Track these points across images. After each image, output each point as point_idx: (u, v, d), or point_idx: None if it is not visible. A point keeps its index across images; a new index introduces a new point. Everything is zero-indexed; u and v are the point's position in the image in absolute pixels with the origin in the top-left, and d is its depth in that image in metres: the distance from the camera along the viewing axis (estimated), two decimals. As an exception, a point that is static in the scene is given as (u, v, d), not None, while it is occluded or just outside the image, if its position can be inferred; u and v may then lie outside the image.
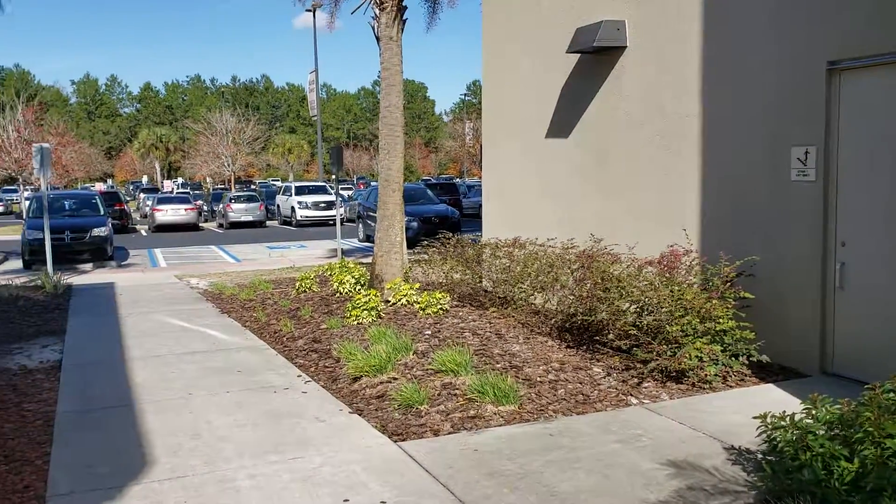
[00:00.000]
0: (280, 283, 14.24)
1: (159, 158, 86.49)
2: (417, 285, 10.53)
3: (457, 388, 6.65)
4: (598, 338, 7.93)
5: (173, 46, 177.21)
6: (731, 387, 6.60)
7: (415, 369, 7.30)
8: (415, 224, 22.22)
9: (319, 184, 39.98)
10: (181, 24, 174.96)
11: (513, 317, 9.16)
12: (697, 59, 7.92)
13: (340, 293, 11.63)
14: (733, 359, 6.62)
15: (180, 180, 75.03)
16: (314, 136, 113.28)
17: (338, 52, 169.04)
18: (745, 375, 6.76)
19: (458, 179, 61.49)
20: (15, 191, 57.36)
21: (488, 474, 4.92)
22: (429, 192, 26.84)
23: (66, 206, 22.62)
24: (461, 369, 6.86)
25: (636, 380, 6.75)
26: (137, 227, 37.60)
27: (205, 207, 41.98)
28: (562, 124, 10.19)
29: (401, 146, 11.02)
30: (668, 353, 6.50)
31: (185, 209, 34.93)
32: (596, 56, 9.42)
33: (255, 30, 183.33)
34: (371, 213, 25.08)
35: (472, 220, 32.47)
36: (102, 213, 22.43)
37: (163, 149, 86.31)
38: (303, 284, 12.46)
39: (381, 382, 6.98)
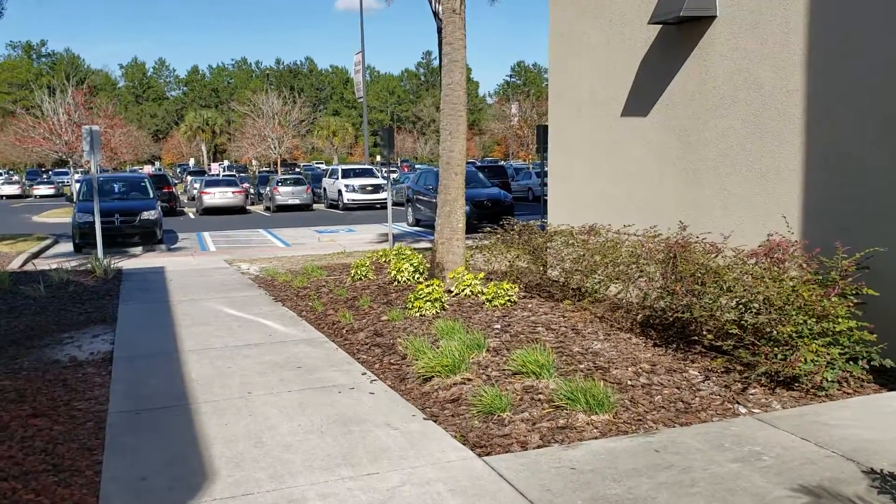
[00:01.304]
0: (333, 270, 13.74)
1: (205, 141, 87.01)
2: (482, 275, 9.91)
3: (540, 393, 6.03)
4: (689, 336, 7.25)
5: (219, 30, 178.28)
6: (848, 394, 5.87)
7: (489, 369, 6.70)
8: (468, 208, 21.57)
9: (366, 167, 39.52)
10: (227, 7, 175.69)
11: (588, 310, 8.49)
12: (803, 26, 7.13)
13: (399, 282, 11.07)
14: (851, 363, 5.89)
15: (226, 163, 75.31)
16: (358, 118, 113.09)
17: (381, 34, 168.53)
18: (863, 381, 6.03)
19: (502, 162, 60.60)
20: (66, 173, 58.05)
21: (592, 499, 4.30)
22: (480, 175, 26.15)
23: (116, 189, 22.44)
24: (543, 371, 6.24)
25: (740, 385, 6.06)
26: (185, 209, 37.57)
27: (251, 190, 41.84)
28: (639, 103, 9.45)
29: (464, 127, 10.39)
30: (780, 355, 5.79)
31: (233, 192, 34.76)
32: (680, 27, 8.66)
33: (299, 12, 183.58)
34: (420, 197, 24.55)
35: (521, 203, 31.77)
36: (152, 196, 22.21)
37: (209, 131, 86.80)
38: (358, 272, 11.93)
39: (455, 384, 6.38)
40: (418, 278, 11.13)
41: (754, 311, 6.06)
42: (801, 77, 7.19)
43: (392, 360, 7.39)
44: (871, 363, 5.92)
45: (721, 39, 8.16)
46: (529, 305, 9.09)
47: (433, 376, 6.52)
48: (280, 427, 5.67)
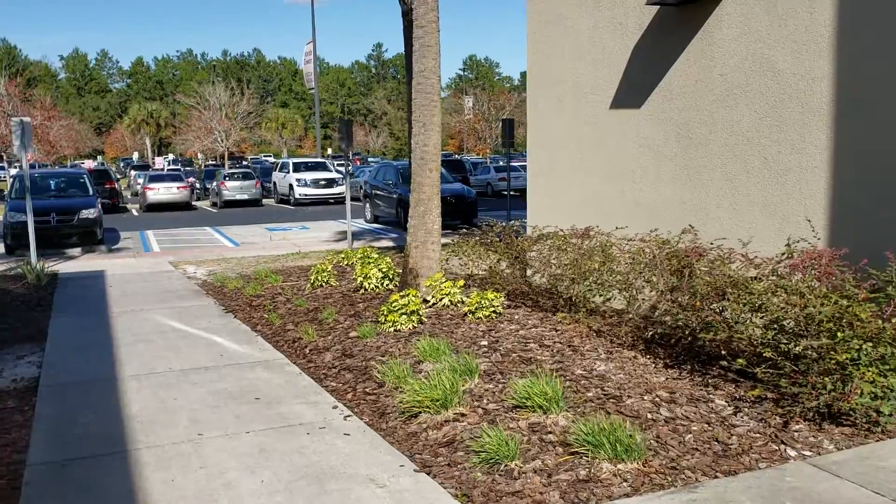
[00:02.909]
0: (289, 274, 12.65)
1: (150, 134, 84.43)
2: (461, 282, 8.95)
3: (550, 432, 5.10)
4: (702, 355, 6.40)
5: (164, 21, 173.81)
6: (905, 428, 5.06)
7: (485, 400, 5.75)
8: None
9: (319, 160, 38.22)
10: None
11: (582, 323, 7.60)
12: (830, 5, 6.31)
13: (365, 289, 10.06)
14: (903, 391, 5.08)
15: (171, 157, 73.01)
16: (307, 110, 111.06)
17: (331, 26, 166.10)
18: (918, 412, 5.23)
19: (456, 155, 59.68)
20: (2, 168, 55.40)
21: (645, 590, 3.38)
22: (443, 170, 25.13)
23: (52, 186, 20.89)
24: (552, 405, 5.31)
25: (779, 419, 5.20)
26: (128, 206, 35.84)
27: (197, 185, 40.20)
28: (632, 92, 8.58)
29: (438, 118, 9.41)
30: (830, 386, 4.95)
31: (178, 187, 33.17)
32: (682, 8, 7.80)
33: (247, 3, 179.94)
34: (379, 193, 23.49)
35: (480, 198, 30.85)
36: (91, 193, 20.71)
37: (153, 125, 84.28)
38: (318, 278, 10.87)
39: (447, 422, 5.41)
40: (388, 286, 10.13)
41: (794, 332, 5.20)
42: (829, 62, 6.38)
43: (367, 389, 6.38)
44: (929, 392, 5.11)
45: (730, 20, 7.31)
46: (516, 317, 8.16)
47: (420, 412, 5.54)
48: (239, 485, 4.64)
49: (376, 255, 11.39)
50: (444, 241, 9.94)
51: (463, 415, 5.49)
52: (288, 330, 8.64)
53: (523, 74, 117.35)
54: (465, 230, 10.30)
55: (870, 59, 6.04)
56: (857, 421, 5.05)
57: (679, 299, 6.33)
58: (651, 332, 6.70)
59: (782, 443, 4.88)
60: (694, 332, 6.17)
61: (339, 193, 33.32)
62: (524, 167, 38.55)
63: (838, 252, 5.51)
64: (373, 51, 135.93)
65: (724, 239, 6.91)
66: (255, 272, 12.93)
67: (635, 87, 8.53)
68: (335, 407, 6.04)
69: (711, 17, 7.51)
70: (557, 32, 9.83)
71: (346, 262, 12.40)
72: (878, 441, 4.88)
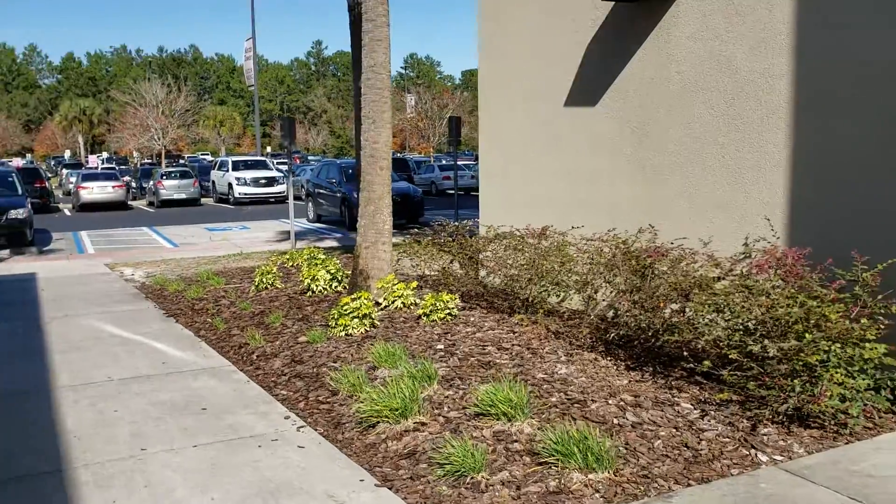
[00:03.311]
0: (232, 276, 12.22)
1: (83, 132, 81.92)
2: (414, 284, 8.71)
3: (516, 441, 4.90)
4: (662, 356, 6.29)
5: (96, 16, 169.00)
6: (871, 430, 5.01)
7: (445, 408, 5.52)
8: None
9: (259, 158, 37.50)
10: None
11: (540, 324, 7.44)
12: (789, 2, 6.26)
13: (313, 291, 9.74)
14: (874, 393, 5.03)
15: (105, 155, 70.92)
16: (246, 107, 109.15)
17: (269, 22, 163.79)
18: (881, 412, 5.18)
19: (399, 154, 59.33)
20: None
21: None
22: (384, 168, 24.83)
23: (-23, 185, 19.94)
24: (517, 412, 5.11)
25: (747, 422, 5.10)
26: (60, 205, 34.58)
27: (133, 184, 39.04)
28: (587, 90, 8.45)
29: (389, 115, 9.15)
30: (798, 388, 4.86)
31: (113, 186, 32.11)
32: (638, 5, 7.69)
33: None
34: (322, 191, 23.08)
35: (425, 197, 30.64)
36: (20, 192, 19.84)
37: (86, 122, 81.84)
38: (263, 279, 10.49)
39: (407, 431, 5.17)
40: (336, 288, 9.83)
41: (761, 333, 5.11)
42: (788, 60, 6.32)
43: (321, 397, 6.09)
44: (895, 392, 5.08)
45: (687, 17, 7.22)
46: (472, 319, 7.96)
47: (378, 421, 5.28)
48: (188, 505, 4.32)
49: (323, 256, 11.08)
50: (393, 240, 9.68)
51: (423, 424, 5.25)
52: (233, 335, 8.28)
53: (465, 73, 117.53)
54: (416, 230, 10.05)
55: (829, 57, 5.99)
56: (826, 423, 4.97)
57: (641, 300, 6.20)
58: (613, 334, 6.56)
59: (752, 447, 4.77)
60: (657, 334, 6.05)
61: (280, 192, 32.75)
62: (469, 166, 38.52)
63: (803, 252, 5.44)
64: (313, 48, 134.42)
65: (685, 238, 6.82)
66: (196, 274, 12.48)
67: (590, 85, 8.40)
68: (287, 417, 5.74)
69: (668, 13, 7.41)
70: (509, 30, 9.65)
71: (291, 264, 12.04)
72: (847, 443, 4.81)
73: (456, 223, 9.64)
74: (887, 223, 5.63)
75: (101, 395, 6.38)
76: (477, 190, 33.89)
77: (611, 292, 6.81)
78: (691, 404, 5.45)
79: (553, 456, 4.48)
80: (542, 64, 9.10)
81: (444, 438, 4.92)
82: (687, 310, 5.81)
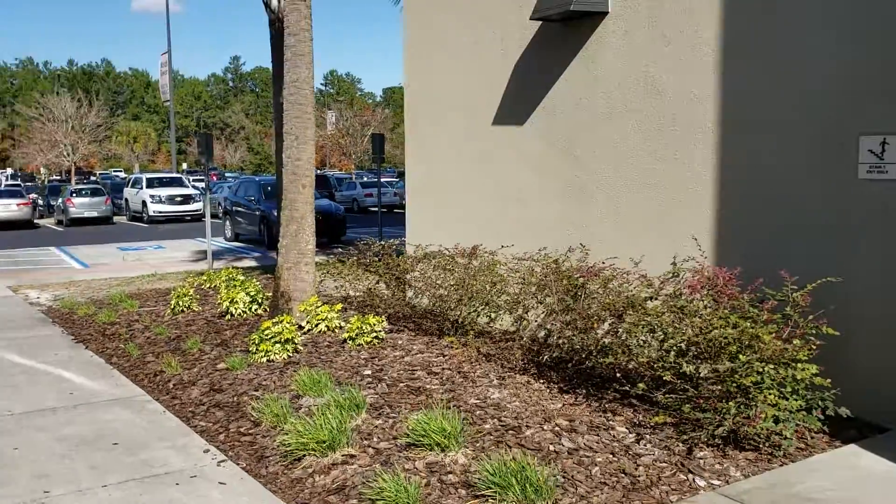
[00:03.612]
0: (146, 299, 11.68)
1: (-15, 147, 78.28)
2: (339, 306, 8.45)
3: (450, 472, 4.70)
4: (594, 377, 6.21)
5: (1, 27, 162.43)
6: (803, 450, 5.01)
7: (375, 439, 5.29)
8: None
9: (174, 175, 36.47)
10: (10, 1, 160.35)
11: (471, 346, 7.28)
12: (714, 24, 6.31)
13: (232, 315, 9.36)
14: (805, 413, 5.03)
15: (10, 171, 67.94)
16: (160, 123, 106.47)
17: (185, 36, 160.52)
18: (813, 432, 5.20)
19: (319, 171, 58.67)
20: None
21: None
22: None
23: None
24: (451, 442, 4.91)
25: (682, 445, 5.04)
26: (-41, 224, 32.78)
27: (40, 202, 37.38)
28: (515, 109, 8.39)
29: (312, 131, 8.90)
30: (734, 410, 4.82)
31: (18, 204, 30.65)
32: (565, 25, 7.67)
33: (93, 11, 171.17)
34: (240, 209, 22.54)
35: (346, 215, 30.33)
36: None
37: (-12, 136, 78.22)
38: (179, 302, 10.04)
39: (336, 465, 4.91)
40: (257, 311, 9.47)
41: (695, 354, 5.07)
42: (714, 82, 6.37)
43: (242, 429, 5.77)
44: (826, 412, 5.09)
45: (614, 38, 7.23)
46: (400, 342, 7.75)
47: (304, 454, 5.00)
48: (96, 554, 3.97)
49: (243, 278, 10.69)
50: (315, 260, 9.39)
51: (352, 456, 5.00)
52: (148, 362, 7.84)
53: (386, 90, 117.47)
54: (340, 249, 9.79)
55: (755, 79, 6.05)
56: (760, 445, 4.95)
57: (573, 321, 6.11)
58: (546, 356, 6.45)
59: (690, 472, 4.70)
60: (590, 355, 5.96)
61: (197, 210, 31.90)
62: (391, 183, 38.36)
63: (733, 272, 5.44)
64: (230, 63, 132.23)
65: (616, 258, 6.78)
66: (107, 296, 11.88)
67: (519, 103, 8.34)
68: (207, 451, 5.40)
69: (594, 34, 7.41)
70: (437, 47, 9.54)
71: (208, 285, 11.59)
72: (782, 465, 4.79)
73: (382, 242, 9.43)
74: (813, 242, 5.69)
75: (0, 431, 5.91)
76: (400, 207, 33.68)
77: (543, 313, 6.71)
78: (626, 428, 5.37)
79: (490, 488, 4.30)
80: (470, 81, 9.01)
81: (375, 471, 4.70)
82: (619, 331, 5.74)
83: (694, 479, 4.61)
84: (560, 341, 6.25)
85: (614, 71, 7.24)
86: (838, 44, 5.50)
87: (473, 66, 8.92)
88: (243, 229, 22.34)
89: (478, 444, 5.11)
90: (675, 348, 5.18)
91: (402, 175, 48.30)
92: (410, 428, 5.11)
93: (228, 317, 9.35)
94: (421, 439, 4.96)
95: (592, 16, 7.34)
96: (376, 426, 5.49)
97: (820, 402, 5.09)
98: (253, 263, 16.92)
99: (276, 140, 12.13)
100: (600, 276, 6.11)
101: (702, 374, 4.93)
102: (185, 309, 10.02)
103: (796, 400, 4.87)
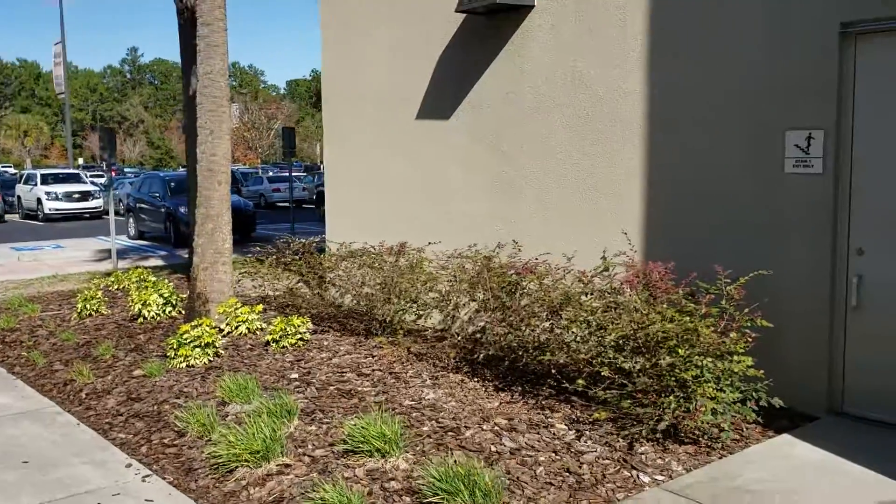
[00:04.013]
0: (48, 302, 11.03)
1: None
2: (259, 307, 8.15)
3: (393, 479, 4.54)
4: (528, 373, 6.17)
5: None
6: (738, 441, 5.07)
7: (310, 446, 5.07)
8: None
9: (72, 171, 34.83)
10: None
11: (402, 346, 7.13)
12: (643, 19, 6.34)
13: (145, 318, 8.91)
14: (741, 405, 5.10)
15: None
16: (53, 116, 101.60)
17: (79, 26, 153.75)
18: (748, 423, 5.28)
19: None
20: None
21: None
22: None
23: None
24: (391, 447, 4.75)
25: (623, 441, 5.03)
26: None
27: (-80, 200, 35.04)
28: (441, 103, 8.26)
29: (227, 125, 8.54)
30: (674, 405, 4.84)
31: None
32: (491, 18, 7.59)
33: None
34: (144, 206, 21.68)
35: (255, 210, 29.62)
36: None
37: None
38: (87, 306, 9.50)
39: (271, 475, 4.68)
40: (171, 313, 9.05)
41: (632, 349, 5.06)
42: (641, 77, 6.40)
43: (166, 440, 5.46)
44: (759, 403, 5.18)
45: (540, 32, 7.19)
46: (326, 343, 7.53)
47: (237, 466, 4.75)
48: (14, 587, 3.64)
49: (154, 278, 10.21)
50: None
51: (288, 466, 4.78)
52: (56, 370, 7.36)
53: (290, 83, 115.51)
54: (259, 248, 9.44)
55: (683, 75, 6.10)
56: (699, 438, 4.98)
57: (509, 318, 6.03)
58: (482, 354, 6.35)
59: (633, 468, 4.69)
60: (527, 353, 5.90)
61: (96, 207, 30.57)
62: (300, 178, 37.67)
63: (668, 266, 5.46)
64: (127, 55, 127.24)
65: (549, 253, 6.75)
66: (4, 301, 11.15)
67: (444, 97, 8.21)
68: (129, 465, 5.08)
69: (520, 28, 7.35)
70: (356, 39, 9.31)
71: (116, 287, 11.04)
72: (721, 458, 4.83)
73: (301, 240, 9.15)
74: (743, 237, 5.78)
75: None
76: (309, 203, 32.93)
77: (475, 310, 6.61)
78: (566, 425, 5.33)
79: (437, 495, 4.17)
80: (392, 74, 8.83)
81: (314, 481, 4.51)
82: (555, 328, 5.70)
83: (638, 476, 4.60)
84: (495, 339, 6.16)
85: (542, 65, 7.20)
86: (766, 42, 5.59)
87: (396, 59, 8.74)
88: (148, 227, 21.48)
89: (418, 448, 4.96)
90: (613, 344, 5.16)
91: (310, 169, 47.57)
92: (347, 433, 4.92)
93: (141, 320, 8.90)
94: (360, 445, 4.78)
95: (518, 9, 7.28)
96: (310, 433, 5.28)
97: (754, 394, 5.16)
98: (160, 262, 16.27)
99: (186, 134, 11.65)
100: (535, 272, 6.05)
101: (640, 369, 4.92)
102: (92, 312, 9.48)
103: (732, 392, 4.92)
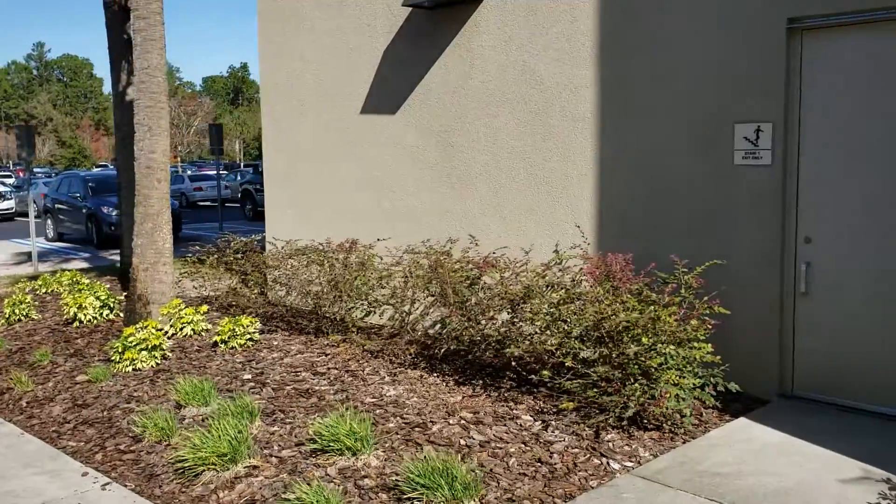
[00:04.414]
0: (-30, 307, 10.49)
1: None
2: (204, 308, 7.94)
3: (366, 476, 4.49)
4: (485, 365, 6.20)
5: None
6: (697, 426, 5.20)
7: (276, 447, 4.97)
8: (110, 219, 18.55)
9: (-21, 172, 33.20)
10: None
11: (356, 343, 7.07)
12: (593, 12, 6.42)
13: (82, 322, 8.58)
14: (700, 390, 5.24)
15: None
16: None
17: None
18: (706, 408, 5.42)
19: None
20: None
21: None
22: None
23: None
24: (362, 444, 4.70)
25: (589, 429, 5.09)
26: None
27: None
28: (385, 98, 8.20)
29: (166, 122, 8.29)
30: (639, 392, 4.93)
31: None
32: (436, 12, 7.57)
33: None
34: (63, 207, 20.92)
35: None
36: None
37: None
38: (16, 310, 9.09)
39: (239, 478, 4.57)
40: (108, 316, 8.74)
41: (595, 339, 5.14)
42: (592, 71, 6.49)
43: (122, 446, 5.26)
44: (717, 388, 5.32)
45: (489, 27, 7.21)
46: (275, 342, 7.40)
47: (203, 469, 4.62)
48: None
49: (87, 280, 9.84)
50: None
51: (256, 467, 4.67)
52: (-11, 379, 7.02)
53: (206, 79, 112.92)
54: (198, 247, 9.19)
55: (631, 69, 6.21)
56: (663, 424, 5.09)
57: (469, 312, 6.04)
58: (444, 349, 6.34)
59: (602, 455, 4.76)
60: (489, 346, 5.92)
61: (8, 209, 29.38)
62: (222, 176, 36.82)
63: (627, 257, 5.56)
64: (33, 50, 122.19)
65: (506, 247, 6.78)
66: (-79, 308, 10.57)
67: (389, 91, 8.15)
68: (85, 474, 4.88)
69: (468, 22, 7.36)
70: (295, 32, 9.16)
71: (45, 290, 10.60)
72: (684, 443, 4.94)
73: (243, 238, 8.96)
74: (695, 228, 5.92)
75: None
76: (232, 202, 32.09)
77: (432, 305, 6.60)
78: (531, 416, 5.37)
79: (416, 490, 4.14)
80: (334, 68, 8.71)
81: (284, 482, 4.42)
82: (518, 320, 5.73)
83: (608, 463, 4.66)
84: (455, 333, 6.15)
85: (491, 60, 7.22)
86: (715, 37, 5.73)
87: (339, 51, 8.63)
88: (68, 228, 20.71)
89: (387, 445, 4.92)
90: (578, 335, 5.22)
91: (230, 167, 46.46)
92: (315, 432, 4.85)
93: (77, 324, 8.56)
94: (330, 444, 4.70)
95: (467, 3, 7.29)
96: (273, 433, 5.17)
97: (711, 380, 5.31)
98: (85, 265, 15.68)
99: (115, 133, 11.26)
100: (497, 265, 6.07)
101: (603, 358, 5.00)
102: (22, 318, 9.08)
103: (693, 378, 5.04)
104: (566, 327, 5.28)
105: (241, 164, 47.89)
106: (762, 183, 5.59)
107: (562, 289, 5.53)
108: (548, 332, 5.41)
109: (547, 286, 5.71)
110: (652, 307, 4.93)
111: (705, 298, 5.22)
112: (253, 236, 9.29)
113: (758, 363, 5.68)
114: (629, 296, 5.10)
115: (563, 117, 6.72)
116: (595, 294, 5.25)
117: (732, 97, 5.68)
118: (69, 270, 11.31)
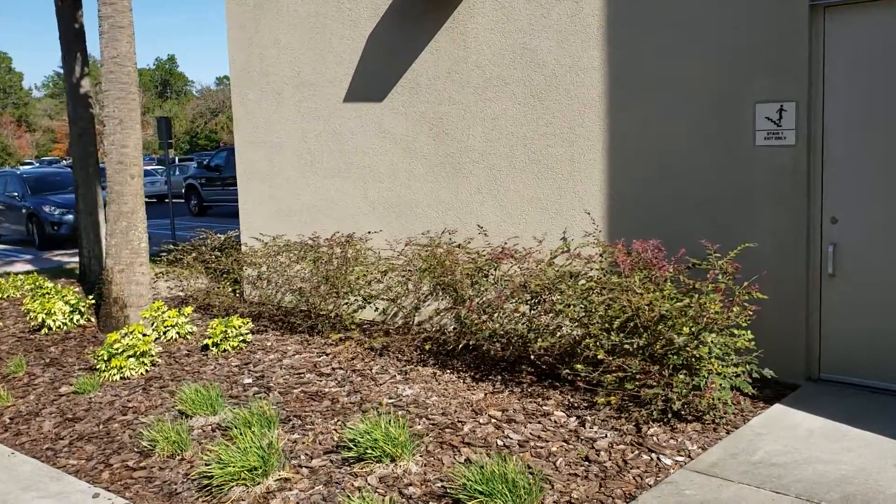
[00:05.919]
0: (-83, 317, 9.79)
1: None
2: (189, 309, 7.51)
3: (410, 485, 4.21)
4: (497, 360, 5.97)
5: None
6: (737, 415, 5.06)
7: (303, 456, 4.65)
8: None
9: None
10: None
11: (355, 340, 6.76)
12: (600, -5, 6.22)
13: (51, 329, 8.04)
14: (737, 378, 5.10)
15: None
16: None
17: None
18: (743, 396, 5.29)
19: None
20: None
21: None
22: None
23: None
24: (401, 450, 4.41)
25: (629, 424, 4.91)
26: None
27: None
28: (371, 85, 7.86)
29: (138, 113, 7.81)
30: (683, 384, 4.76)
31: None
32: (427, -7, 7.27)
33: None
34: (1, 208, 19.84)
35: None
36: None
37: None
38: (-26, 319, 8.49)
39: (271, 492, 4.24)
40: (80, 321, 8.22)
41: (632, 331, 4.95)
42: (599, 52, 6.29)
43: (130, 462, 4.86)
44: (752, 375, 5.19)
45: (485, 9, 6.94)
46: (269, 343, 7.03)
47: (229, 484, 4.27)
48: None
49: (51, 284, 9.26)
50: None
51: (287, 480, 4.35)
52: (-40, 394, 6.48)
53: (144, 72, 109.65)
54: (172, 246, 8.73)
55: (645, 49, 6.03)
56: (703, 415, 4.93)
57: (485, 305, 5.79)
58: (462, 344, 6.06)
59: (650, 450, 4.57)
60: (510, 340, 5.69)
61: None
62: (157, 171, 35.66)
63: (658, 243, 5.38)
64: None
65: (517, 237, 6.54)
66: None
67: (375, 78, 7.82)
68: (96, 495, 4.48)
69: (462, 4, 7.08)
70: (269, 17, 8.73)
71: (2, 296, 9.96)
72: (728, 433, 4.79)
73: (220, 235, 8.53)
74: (713, 212, 5.78)
75: None
76: (177, 198, 30.98)
77: (439, 300, 6.32)
78: (562, 412, 5.16)
79: (475, 497, 3.88)
80: (314, 55, 8.33)
81: (322, 494, 4.12)
82: (543, 312, 5.51)
83: (658, 458, 4.48)
84: (474, 328, 5.88)
85: (488, 42, 6.96)
86: (734, 15, 5.58)
87: (316, 40, 8.25)
88: (7, 229, 19.70)
89: (422, 449, 4.65)
90: (616, 326, 5.01)
91: (162, 162, 44.89)
92: (350, 438, 4.54)
93: (45, 331, 8.02)
94: (367, 451, 4.41)
95: (460, -15, 7.01)
96: (295, 441, 4.85)
97: (747, 367, 5.17)
98: (29, 267, 14.88)
99: (70, 127, 10.64)
100: (514, 256, 5.83)
101: (639, 350, 4.81)
102: (-18, 326, 8.48)
103: (734, 367, 4.90)
104: (597, 319, 5.07)
105: (176, 159, 46.60)
106: (785, 163, 5.47)
107: (589, 279, 5.32)
108: (577, 323, 5.19)
109: (571, 276, 5.50)
110: (695, 296, 4.75)
111: (745, 284, 5.07)
112: (229, 233, 8.87)
113: (785, 347, 5.58)
114: (669, 284, 4.92)
115: (567, 101, 6.50)
116: (628, 283, 5.05)
117: (753, 77, 5.54)
118: (21, 274, 10.65)
